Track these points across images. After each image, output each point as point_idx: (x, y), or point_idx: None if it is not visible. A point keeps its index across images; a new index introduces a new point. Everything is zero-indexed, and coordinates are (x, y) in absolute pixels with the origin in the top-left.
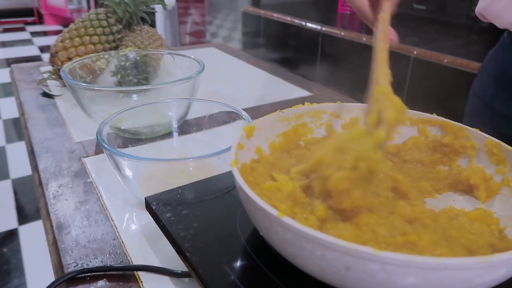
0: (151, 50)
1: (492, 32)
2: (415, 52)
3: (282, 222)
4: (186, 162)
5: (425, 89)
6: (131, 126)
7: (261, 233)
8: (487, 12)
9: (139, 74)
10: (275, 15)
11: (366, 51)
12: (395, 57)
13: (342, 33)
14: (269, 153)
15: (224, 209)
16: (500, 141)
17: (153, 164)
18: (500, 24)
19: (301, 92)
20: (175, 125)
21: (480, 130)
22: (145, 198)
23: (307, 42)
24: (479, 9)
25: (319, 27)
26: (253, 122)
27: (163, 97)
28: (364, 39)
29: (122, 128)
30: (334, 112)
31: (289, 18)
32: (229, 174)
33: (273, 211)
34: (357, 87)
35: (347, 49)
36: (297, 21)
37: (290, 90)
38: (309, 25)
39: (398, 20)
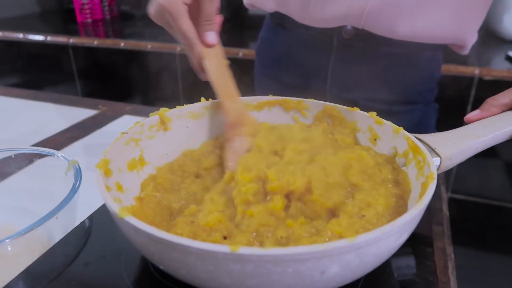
0: None
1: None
2: None
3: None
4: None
5: None
6: None
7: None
8: (255, 1)
9: None
10: (4, 34)
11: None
12: None
13: (95, 42)
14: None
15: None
16: (336, 104)
17: None
18: (268, 8)
19: (86, 112)
20: None
21: None
22: None
23: (52, 58)
24: (247, 0)
25: (66, 40)
26: (105, 155)
27: None
28: (122, 44)
29: None
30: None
31: (21, 35)
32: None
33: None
34: (123, 94)
35: (103, 58)
36: (35, 37)
37: (71, 113)
38: (52, 38)
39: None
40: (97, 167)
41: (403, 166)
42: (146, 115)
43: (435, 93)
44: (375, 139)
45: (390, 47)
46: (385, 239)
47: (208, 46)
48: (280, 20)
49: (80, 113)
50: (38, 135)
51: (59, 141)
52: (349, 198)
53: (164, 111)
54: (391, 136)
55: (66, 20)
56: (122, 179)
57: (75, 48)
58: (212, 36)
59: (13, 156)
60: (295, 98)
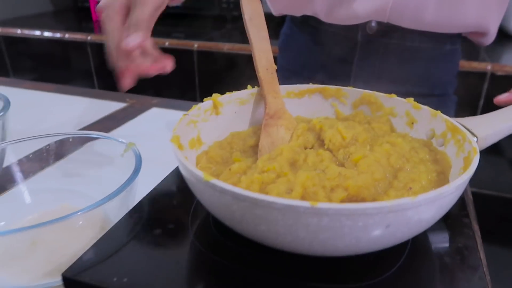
0: None
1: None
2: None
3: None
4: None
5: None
6: None
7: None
8: (284, 10)
9: None
10: (22, 31)
11: None
12: None
13: None
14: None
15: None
16: (373, 92)
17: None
18: (296, 14)
19: (115, 105)
20: None
21: None
22: (63, 275)
23: (74, 55)
24: (276, 11)
25: (85, 37)
26: (175, 132)
27: None
28: None
29: None
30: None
31: (48, 34)
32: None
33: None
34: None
35: None
36: (55, 34)
37: (100, 105)
38: (72, 36)
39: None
40: (171, 141)
41: (441, 146)
42: (174, 107)
43: (454, 86)
44: (413, 123)
45: (413, 42)
46: (441, 199)
47: (125, 50)
48: (303, 18)
49: (109, 106)
50: (73, 126)
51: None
52: (393, 179)
53: (216, 96)
54: (429, 120)
55: (80, 18)
56: (186, 154)
57: (93, 45)
58: (130, 41)
59: (70, 140)
60: (334, 86)
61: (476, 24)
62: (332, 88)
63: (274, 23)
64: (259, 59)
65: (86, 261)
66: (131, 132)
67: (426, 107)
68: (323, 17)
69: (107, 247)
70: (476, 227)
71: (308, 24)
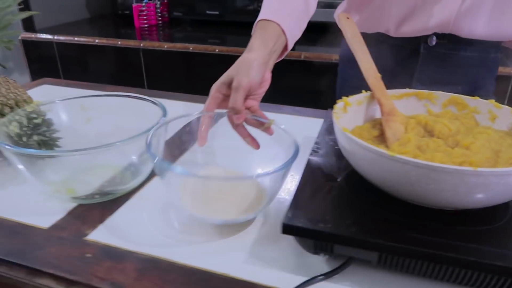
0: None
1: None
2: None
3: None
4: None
5: None
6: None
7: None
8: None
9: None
10: (75, 38)
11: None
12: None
13: (166, 46)
14: None
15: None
16: (460, 94)
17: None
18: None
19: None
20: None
21: None
22: (283, 224)
23: (127, 60)
24: None
25: (138, 44)
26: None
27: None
28: (191, 48)
29: None
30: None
31: (97, 40)
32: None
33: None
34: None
35: (170, 59)
36: (108, 40)
37: (187, 106)
38: (123, 42)
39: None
40: (344, 131)
41: None
42: None
43: (493, 87)
44: (494, 118)
45: (466, 51)
46: None
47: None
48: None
49: (195, 107)
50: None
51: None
52: (497, 158)
53: (346, 98)
54: (509, 115)
55: (120, 24)
56: None
57: (145, 50)
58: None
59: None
60: (427, 91)
61: None
62: (425, 92)
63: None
64: (367, 70)
65: (293, 211)
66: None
67: (506, 106)
68: (392, 33)
69: (303, 199)
70: None
71: (373, 38)
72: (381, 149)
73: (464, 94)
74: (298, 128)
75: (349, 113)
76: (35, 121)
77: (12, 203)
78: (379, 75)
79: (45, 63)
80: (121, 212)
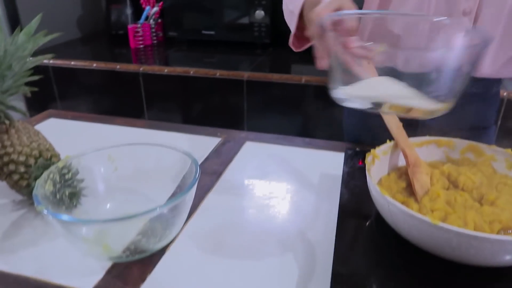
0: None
1: None
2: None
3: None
4: None
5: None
6: None
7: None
8: None
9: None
10: (72, 62)
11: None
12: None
13: (166, 70)
14: None
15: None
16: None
17: None
18: None
19: (210, 141)
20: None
21: None
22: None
23: (126, 84)
24: None
25: (137, 68)
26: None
27: None
28: (191, 72)
29: None
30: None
31: (95, 64)
32: None
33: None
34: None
35: (170, 83)
36: (100, 64)
37: (195, 141)
38: (121, 67)
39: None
40: (376, 185)
41: None
42: (265, 141)
43: (495, 117)
44: (511, 167)
45: (471, 88)
46: None
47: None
48: None
49: (206, 141)
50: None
51: (214, 165)
52: None
53: (374, 151)
54: None
55: (115, 44)
56: None
57: (145, 75)
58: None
59: None
60: (446, 138)
61: None
62: (444, 139)
63: None
64: (390, 121)
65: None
66: (244, 164)
67: None
68: (400, 67)
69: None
70: None
71: None
72: (425, 217)
73: (468, 129)
74: (313, 164)
75: (375, 165)
76: (67, 176)
77: (48, 262)
78: (400, 124)
79: (42, 87)
80: (161, 268)
